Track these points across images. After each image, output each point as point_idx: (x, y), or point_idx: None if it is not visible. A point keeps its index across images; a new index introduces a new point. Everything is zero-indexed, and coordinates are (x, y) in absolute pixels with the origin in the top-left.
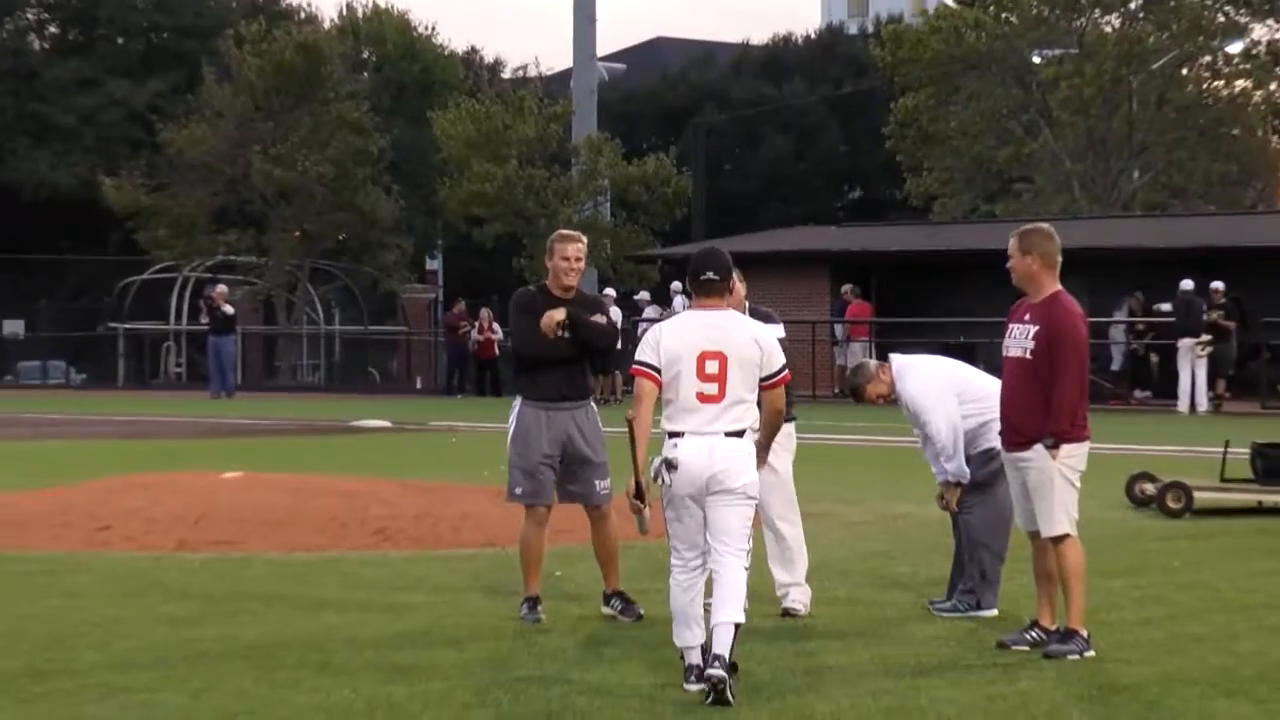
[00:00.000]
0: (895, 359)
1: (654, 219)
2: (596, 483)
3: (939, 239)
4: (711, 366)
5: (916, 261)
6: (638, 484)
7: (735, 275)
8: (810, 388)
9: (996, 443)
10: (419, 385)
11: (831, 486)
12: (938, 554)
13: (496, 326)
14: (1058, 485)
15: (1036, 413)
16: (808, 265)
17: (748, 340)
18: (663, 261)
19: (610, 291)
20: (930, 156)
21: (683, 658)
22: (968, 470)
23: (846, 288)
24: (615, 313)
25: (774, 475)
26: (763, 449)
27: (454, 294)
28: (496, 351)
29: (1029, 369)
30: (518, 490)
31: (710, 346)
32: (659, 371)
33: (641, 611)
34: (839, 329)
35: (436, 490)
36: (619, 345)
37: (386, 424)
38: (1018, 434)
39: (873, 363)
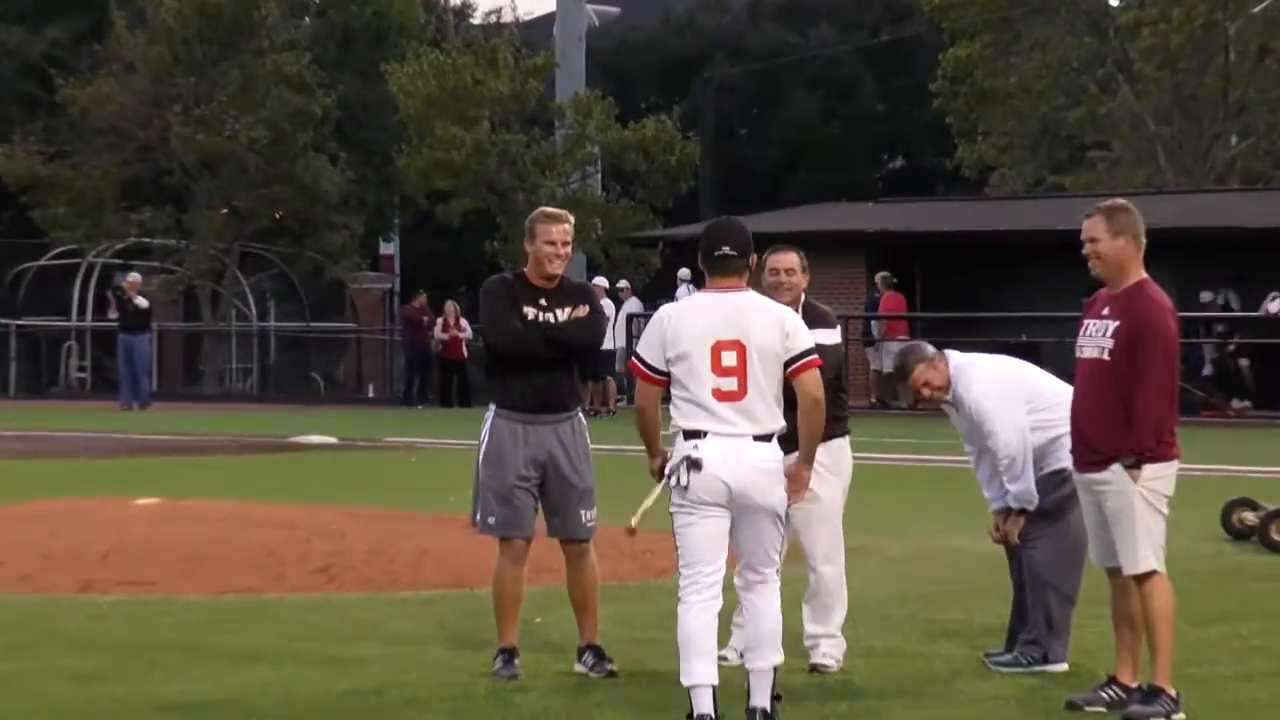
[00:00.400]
0: (953, 355)
1: (654, 194)
2: (581, 513)
3: (997, 218)
4: (728, 358)
5: (970, 245)
6: (660, 468)
7: (800, 263)
8: (864, 396)
9: (1068, 462)
10: (371, 393)
11: (868, 514)
12: (995, 596)
13: (465, 323)
14: (1141, 513)
15: (1116, 426)
16: (840, 249)
17: (770, 324)
18: (665, 245)
19: (601, 281)
20: (986, 118)
21: (690, 700)
22: (1035, 493)
23: (880, 276)
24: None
25: (818, 505)
26: (806, 460)
27: (413, 284)
28: (465, 353)
29: (1107, 373)
30: (490, 519)
31: (727, 334)
32: (664, 372)
33: (614, 668)
34: (875, 327)
35: (392, 520)
36: (619, 345)
37: (332, 440)
38: (1093, 451)
39: (930, 346)
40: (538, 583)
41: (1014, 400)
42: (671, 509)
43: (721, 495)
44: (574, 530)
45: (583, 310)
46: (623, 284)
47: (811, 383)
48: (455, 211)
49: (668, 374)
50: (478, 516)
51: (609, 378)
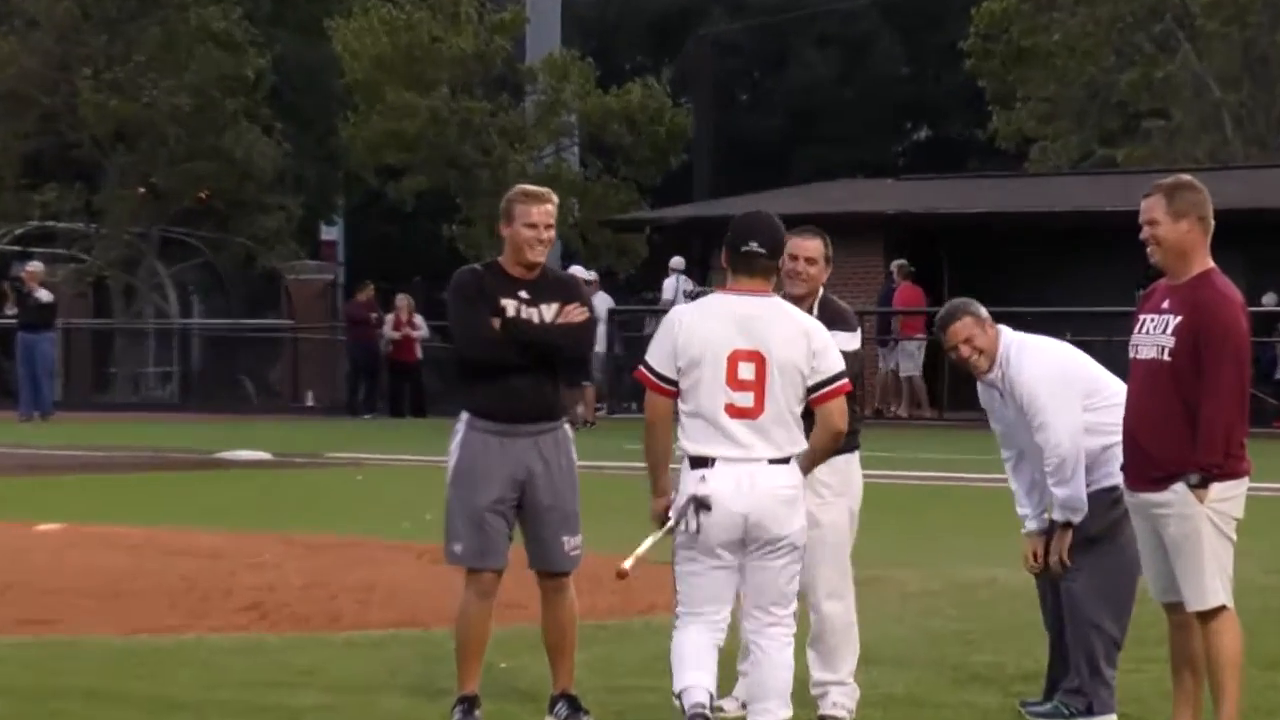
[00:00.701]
0: (1007, 331)
1: (640, 170)
2: (564, 540)
3: (1037, 197)
4: (746, 371)
5: (1005, 229)
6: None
7: (824, 252)
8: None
9: (1121, 478)
10: (311, 402)
11: (886, 541)
12: (1032, 636)
13: (419, 320)
14: (1208, 540)
15: (1178, 438)
16: (855, 233)
17: (795, 336)
18: (653, 229)
19: (581, 271)
20: (1025, 82)
21: (679, 700)
22: (1085, 501)
23: (896, 264)
24: (604, 300)
25: (821, 532)
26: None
27: (360, 274)
28: (419, 354)
29: (1167, 375)
30: (457, 547)
31: (745, 344)
32: (674, 382)
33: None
34: (893, 323)
35: (335, 548)
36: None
37: (265, 456)
38: (1152, 467)
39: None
40: (504, 621)
41: (1072, 391)
42: (676, 548)
43: (736, 530)
44: (555, 560)
45: (574, 311)
46: (589, 275)
47: (838, 413)
48: (409, 190)
49: (677, 384)
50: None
51: (586, 384)
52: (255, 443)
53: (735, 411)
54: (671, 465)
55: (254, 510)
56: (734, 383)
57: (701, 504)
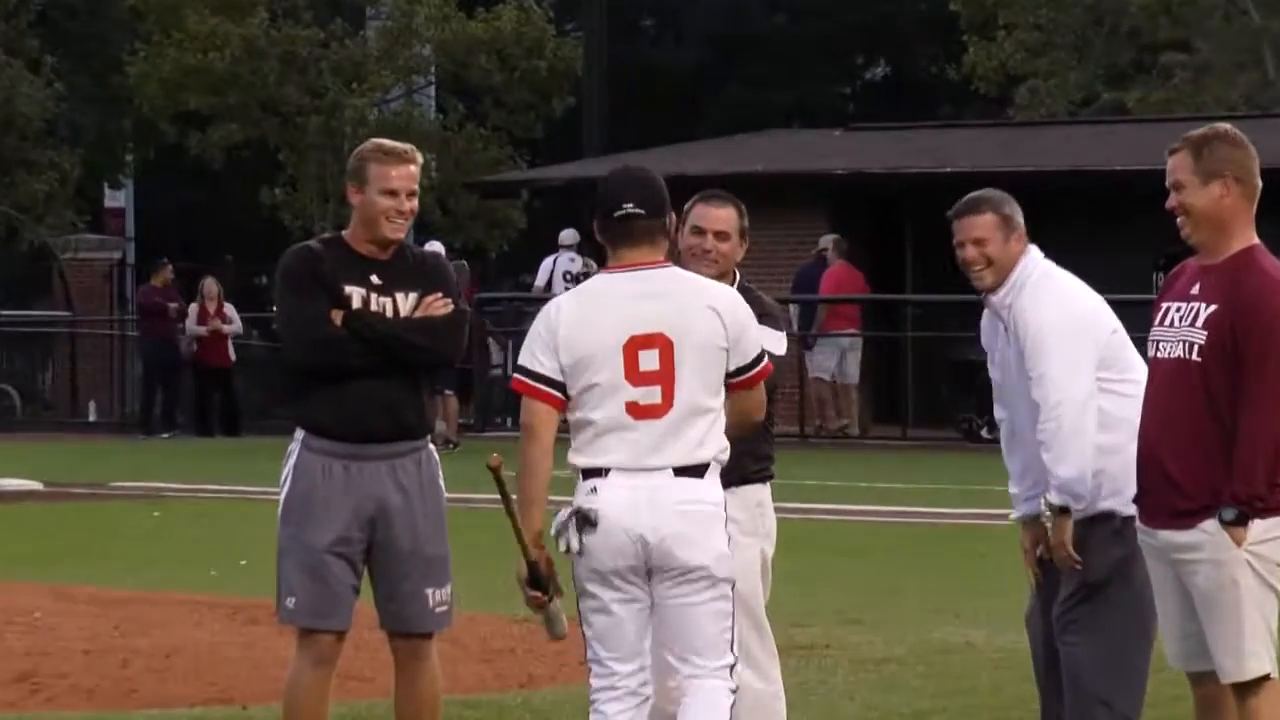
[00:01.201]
0: (1038, 256)
1: (515, 117)
2: (428, 593)
3: (1026, 152)
4: (648, 360)
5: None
6: (531, 565)
7: (738, 224)
8: (797, 421)
9: (1125, 504)
10: (93, 415)
11: (831, 596)
12: (1021, 715)
13: (231, 310)
14: (1248, 592)
15: (1210, 460)
16: (791, 199)
17: (703, 308)
18: (532, 193)
19: (439, 247)
20: (1010, 5)
21: None
22: (1088, 482)
23: (831, 239)
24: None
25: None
26: None
27: (154, 252)
28: (231, 355)
29: (1196, 381)
30: (290, 602)
31: (644, 328)
32: (559, 385)
33: None
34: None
35: (126, 604)
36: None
37: (35, 485)
38: (1175, 498)
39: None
40: (346, 696)
41: (1088, 346)
42: (576, 580)
43: (631, 555)
44: (415, 619)
45: (436, 303)
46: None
47: (756, 401)
48: (216, 144)
49: (564, 387)
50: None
51: (448, 394)
52: (21, 468)
53: (639, 411)
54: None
55: (21, 556)
56: (635, 376)
57: (584, 518)
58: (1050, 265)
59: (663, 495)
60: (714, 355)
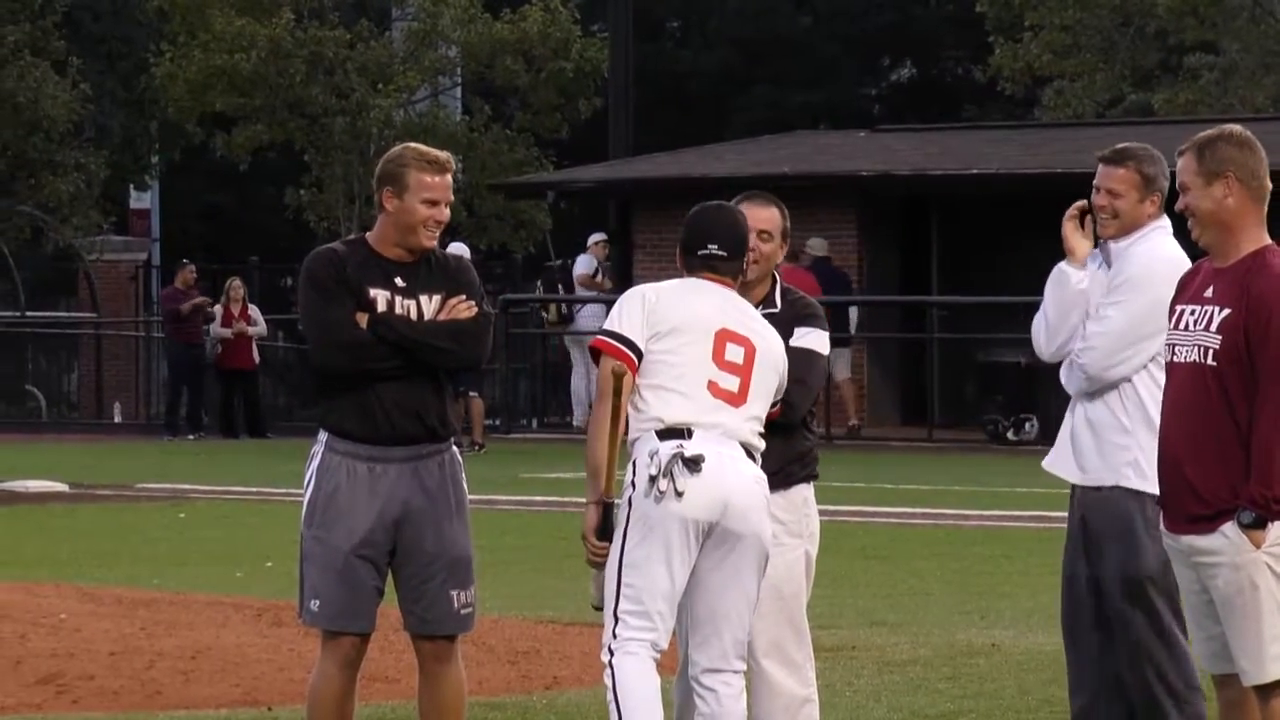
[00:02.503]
0: (1167, 228)
1: (541, 119)
2: (452, 595)
3: (1051, 153)
4: (734, 353)
5: (1011, 194)
6: (607, 508)
7: (780, 225)
8: (824, 421)
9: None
10: (119, 417)
11: (857, 598)
12: (1047, 716)
13: (255, 312)
14: (1268, 594)
15: (1228, 464)
16: (819, 201)
17: (777, 341)
18: (558, 195)
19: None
20: (1037, 7)
21: None
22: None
23: (811, 243)
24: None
25: (772, 580)
26: None
27: (179, 253)
28: (256, 358)
29: (1211, 384)
30: (314, 605)
31: (735, 327)
32: (640, 352)
33: None
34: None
35: (151, 605)
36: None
37: (60, 487)
38: (1195, 502)
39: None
40: (367, 699)
41: (1161, 306)
42: (626, 531)
43: (715, 514)
44: (439, 621)
45: (461, 305)
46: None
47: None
48: (241, 145)
49: (641, 348)
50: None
51: (473, 395)
52: (47, 470)
53: (720, 393)
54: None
55: (47, 557)
56: (721, 362)
57: (692, 461)
58: (1175, 246)
59: (743, 466)
60: (774, 379)
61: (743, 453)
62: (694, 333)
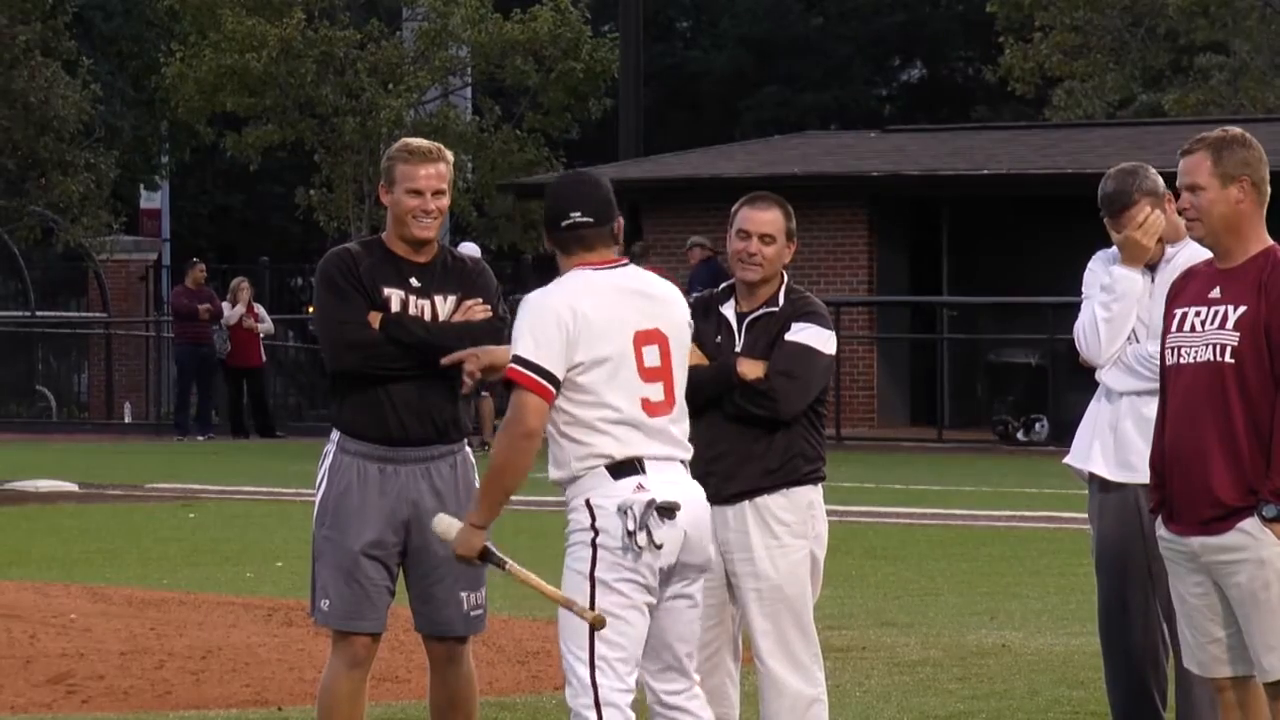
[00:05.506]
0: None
1: (552, 119)
2: (463, 596)
3: (1061, 154)
4: (651, 355)
5: (1021, 195)
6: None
7: (785, 226)
8: (834, 423)
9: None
10: (129, 417)
11: (867, 598)
12: (1054, 714)
13: (262, 311)
14: None
15: (1244, 461)
16: (828, 202)
17: (684, 309)
18: None
19: (473, 249)
20: (1047, 7)
21: None
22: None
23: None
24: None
25: (776, 582)
26: None
27: (189, 253)
28: (263, 356)
29: (1231, 383)
30: (325, 604)
31: (645, 321)
32: (557, 385)
33: None
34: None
35: (161, 605)
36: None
37: (70, 486)
38: (1207, 504)
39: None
40: (377, 699)
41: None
42: (598, 577)
43: (678, 553)
44: (450, 622)
45: (475, 308)
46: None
47: None
48: (252, 145)
49: (559, 383)
50: (311, 600)
51: (482, 395)
52: (57, 470)
53: (651, 408)
54: None
55: (57, 557)
56: (645, 373)
57: (666, 510)
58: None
59: (692, 491)
60: (687, 350)
61: (684, 471)
62: (618, 354)
